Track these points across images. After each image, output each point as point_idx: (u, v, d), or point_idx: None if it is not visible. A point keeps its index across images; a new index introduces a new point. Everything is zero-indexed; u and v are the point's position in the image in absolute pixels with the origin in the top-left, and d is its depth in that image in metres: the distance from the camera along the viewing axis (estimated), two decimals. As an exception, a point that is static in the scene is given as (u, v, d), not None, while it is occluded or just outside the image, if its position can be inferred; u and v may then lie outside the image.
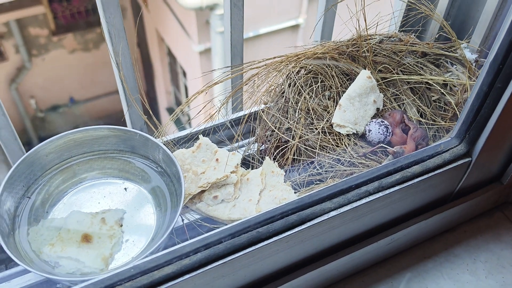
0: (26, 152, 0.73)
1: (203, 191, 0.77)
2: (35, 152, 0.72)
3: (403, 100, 0.88)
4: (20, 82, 6.28)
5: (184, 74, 5.64)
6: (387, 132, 0.82)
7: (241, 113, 0.87)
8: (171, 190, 0.74)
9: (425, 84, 0.86)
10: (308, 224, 0.66)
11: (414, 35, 0.89)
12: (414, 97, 0.87)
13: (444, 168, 0.72)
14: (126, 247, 0.72)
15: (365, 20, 0.86)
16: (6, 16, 5.61)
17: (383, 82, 0.89)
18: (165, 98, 6.59)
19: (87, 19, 6.18)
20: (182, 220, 0.75)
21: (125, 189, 0.78)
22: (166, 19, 5.23)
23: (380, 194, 0.69)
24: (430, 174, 0.71)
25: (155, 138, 0.84)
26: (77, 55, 6.29)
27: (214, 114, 0.84)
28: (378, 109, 0.88)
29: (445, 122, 0.83)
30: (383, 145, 0.77)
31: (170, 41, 5.56)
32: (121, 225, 0.73)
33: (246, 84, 0.86)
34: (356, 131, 0.84)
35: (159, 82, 6.55)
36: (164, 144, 0.85)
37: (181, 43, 5.08)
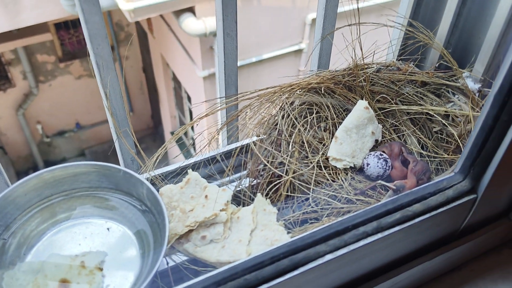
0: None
1: (190, 231, 0.73)
2: (11, 192, 0.68)
3: (403, 131, 0.84)
4: (27, 107, 6.33)
5: (189, 98, 5.66)
6: (386, 165, 0.77)
7: (232, 146, 0.83)
8: (156, 230, 0.70)
9: (425, 115, 0.82)
10: (302, 269, 0.61)
11: (413, 64, 0.85)
12: (415, 128, 0.83)
13: (448, 206, 0.67)
14: (106, 293, 0.67)
15: (361, 49, 0.82)
16: (14, 43, 5.69)
17: (382, 113, 0.84)
18: (170, 122, 6.60)
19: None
20: (167, 263, 0.70)
21: (108, 229, 0.73)
22: (171, 45, 5.27)
23: (379, 235, 0.64)
24: (432, 213, 0.66)
25: (142, 173, 0.80)
26: (83, 81, 6.34)
27: (204, 147, 0.80)
28: (377, 140, 0.83)
29: (448, 154, 0.79)
30: (382, 182, 0.72)
31: (175, 67, 5.59)
32: (101, 269, 0.68)
33: (238, 116, 0.83)
34: (354, 165, 0.79)
35: (164, 106, 6.57)
36: (152, 179, 0.81)
37: (185, 68, 5.10)
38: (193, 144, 0.82)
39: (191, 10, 4.36)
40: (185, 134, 5.81)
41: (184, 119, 6.28)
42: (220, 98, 0.84)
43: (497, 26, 0.77)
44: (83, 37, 6.11)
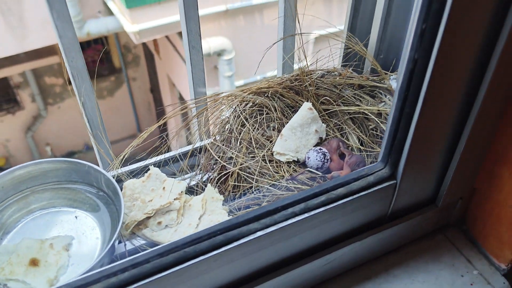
0: None
1: (149, 218, 0.82)
2: (-11, 184, 0.79)
3: (344, 129, 0.93)
4: (36, 130, 6.47)
5: (186, 106, 5.74)
6: (324, 158, 0.87)
7: (189, 147, 0.93)
8: (115, 218, 0.80)
9: (362, 114, 0.91)
10: (235, 243, 0.70)
11: (352, 69, 0.95)
12: (354, 127, 0.92)
13: (369, 190, 0.76)
14: (71, 270, 0.77)
15: (305, 57, 0.92)
16: (23, 67, 5.85)
17: (326, 113, 0.94)
18: (177, 141, 6.70)
19: (101, 68, 6.41)
20: (125, 245, 0.79)
21: (76, 217, 0.83)
22: (177, 66, 5.40)
23: (306, 215, 0.73)
24: (355, 196, 0.75)
25: (109, 170, 0.90)
26: (91, 103, 6.46)
27: (164, 147, 0.90)
28: (321, 138, 0.93)
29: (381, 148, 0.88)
30: (311, 169, 0.82)
31: (181, 86, 5.72)
32: (68, 250, 0.78)
33: (196, 118, 0.93)
34: (297, 159, 0.88)
35: (171, 125, 6.67)
36: (119, 175, 0.91)
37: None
38: (160, 145, 0.92)
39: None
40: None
41: (191, 137, 6.38)
42: (176, 103, 0.94)
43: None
44: (90, 59, 6.24)
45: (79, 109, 0.94)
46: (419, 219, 0.85)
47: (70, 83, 0.95)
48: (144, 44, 6.37)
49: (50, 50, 5.62)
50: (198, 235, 0.69)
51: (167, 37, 5.20)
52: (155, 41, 5.80)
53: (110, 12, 4.69)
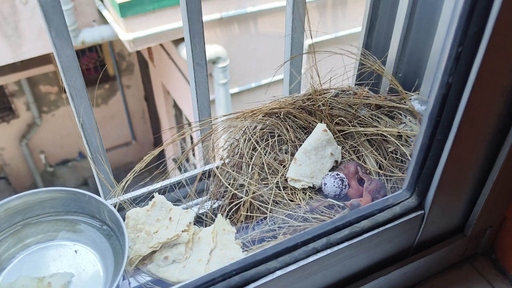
0: None
1: (154, 252, 0.76)
2: (-19, 217, 0.72)
3: (361, 152, 0.87)
4: (31, 138, 6.41)
5: (190, 125, 5.71)
6: (342, 185, 0.81)
7: (196, 171, 0.87)
8: (118, 252, 0.73)
9: (381, 136, 0.86)
10: (252, 285, 0.64)
11: (368, 88, 0.89)
12: (372, 149, 0.86)
13: (396, 222, 0.70)
14: (71, 313, 0.70)
15: (318, 75, 0.87)
16: (18, 75, 5.81)
17: (341, 135, 0.88)
18: (171, 149, 6.66)
19: (96, 76, 6.36)
20: (129, 283, 0.73)
21: (76, 251, 0.77)
22: (171, 73, 5.36)
23: (329, 251, 0.67)
24: (380, 229, 0.69)
25: (110, 198, 0.84)
26: (85, 111, 6.39)
27: (170, 172, 0.84)
28: (336, 161, 0.87)
29: (402, 173, 0.82)
30: (331, 200, 0.76)
31: (176, 94, 5.68)
32: (67, 290, 0.71)
33: (202, 141, 0.87)
34: (313, 185, 0.82)
35: (166, 134, 6.62)
36: (121, 203, 0.84)
37: (186, 95, 5.18)
38: (162, 168, 0.86)
39: (188, 39, 4.43)
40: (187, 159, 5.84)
41: (186, 146, 6.34)
42: (185, 124, 0.88)
43: (437, 51, 0.81)
44: (85, 67, 6.21)
45: (73, 117, 0.88)
46: (447, 250, 0.79)
47: (64, 91, 0.89)
48: (138, 52, 6.33)
49: (45, 59, 5.58)
50: (211, 276, 0.63)
51: (161, 45, 5.17)
52: (149, 49, 5.76)
53: (104, 21, 4.65)
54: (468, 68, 0.55)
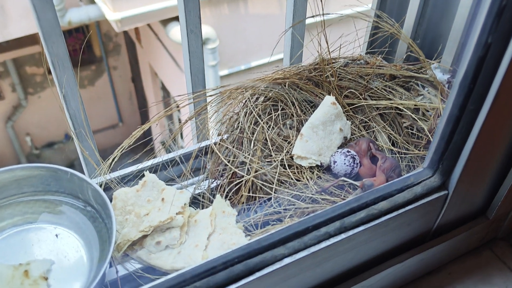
0: None
1: (145, 236, 0.68)
2: None
3: (372, 127, 0.80)
4: (16, 120, 6.27)
5: (177, 104, 5.61)
6: (354, 163, 0.73)
7: (192, 147, 0.78)
8: (105, 236, 0.65)
9: (395, 110, 0.78)
10: (258, 274, 0.56)
11: (381, 57, 0.81)
12: (384, 124, 0.78)
13: (416, 204, 0.63)
14: (51, 304, 0.62)
15: (326, 42, 0.78)
16: (3, 56, 5.67)
17: (350, 109, 0.80)
18: (158, 131, 6.56)
19: (82, 57, 6.22)
20: (117, 271, 0.65)
21: (56, 235, 0.68)
22: (159, 55, 5.26)
23: (343, 235, 0.60)
24: (400, 211, 0.62)
25: (95, 177, 0.76)
26: (71, 92, 6.25)
27: (162, 148, 0.76)
28: (345, 138, 0.79)
29: (419, 150, 0.75)
30: (345, 179, 0.68)
31: (163, 76, 5.57)
32: (47, 279, 0.63)
33: (198, 115, 0.78)
34: (321, 163, 0.75)
35: (153, 116, 6.52)
36: (107, 183, 0.76)
37: (174, 77, 5.08)
38: (153, 145, 0.79)
39: (178, 19, 4.32)
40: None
41: (174, 128, 6.24)
42: (177, 96, 0.80)
43: (463, 13, 0.73)
44: (72, 48, 6.09)
45: (59, 99, 0.80)
46: (466, 234, 0.72)
47: (50, 72, 0.80)
48: (125, 33, 6.18)
49: (31, 39, 5.43)
50: (212, 264, 0.55)
51: (149, 25, 5.05)
52: (136, 29, 5.63)
53: (91, 1, 4.52)
54: (513, 24, 0.48)
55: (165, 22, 4.32)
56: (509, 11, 0.48)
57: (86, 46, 6.30)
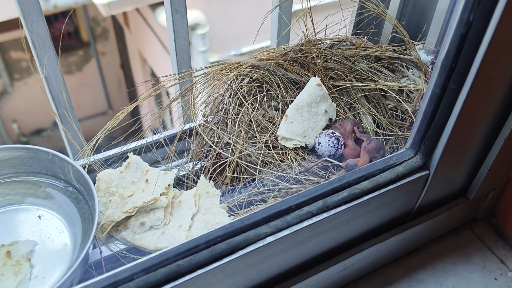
0: None
1: (129, 217, 0.68)
2: None
3: (358, 109, 0.80)
4: (2, 106, 6.18)
5: (167, 94, 5.57)
6: (338, 144, 0.73)
7: (176, 129, 0.78)
8: (88, 217, 0.65)
9: (379, 91, 0.78)
10: (240, 252, 0.57)
11: (367, 38, 0.81)
12: (369, 106, 0.79)
13: (398, 183, 0.63)
14: (34, 284, 0.62)
15: (312, 23, 0.78)
16: (-14, 41, 5.56)
17: (336, 91, 0.80)
18: (149, 119, 6.51)
19: (70, 42, 6.13)
20: (100, 252, 0.65)
21: (39, 217, 0.68)
22: (148, 40, 5.19)
23: (325, 215, 0.60)
24: (382, 191, 0.62)
25: (79, 158, 0.75)
26: (59, 78, 6.18)
27: (146, 130, 0.76)
28: (331, 119, 0.79)
29: (403, 132, 0.75)
30: (328, 159, 0.69)
31: (153, 62, 5.51)
32: (29, 260, 0.63)
33: (182, 96, 0.78)
34: (305, 144, 0.75)
35: (143, 103, 6.47)
36: (91, 165, 0.76)
37: (163, 63, 5.03)
38: (139, 126, 0.78)
39: (165, 2, 4.26)
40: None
41: (164, 115, 6.20)
42: (162, 77, 0.79)
43: (448, -7, 0.73)
44: (58, 34, 6.02)
45: (41, 81, 0.79)
46: (447, 215, 0.73)
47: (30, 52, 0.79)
48: (113, 17, 6.09)
49: (16, 23, 5.30)
50: (195, 243, 0.55)
51: (137, 10, 4.98)
52: (125, 14, 5.55)
53: (78, -17, 4.43)
54: (494, 2, 0.48)
55: (154, 7, 4.27)
56: (491, -11, 0.48)
57: (74, 31, 6.21)
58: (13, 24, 5.31)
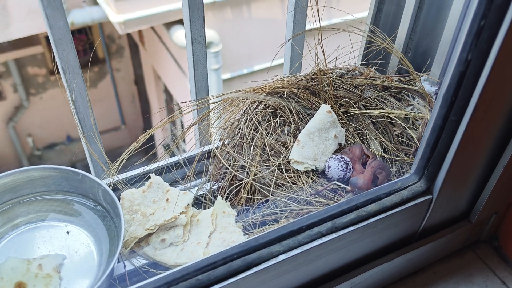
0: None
1: (151, 234, 0.73)
2: (-32, 195, 0.68)
3: (366, 135, 0.85)
4: (18, 120, 6.30)
5: (180, 111, 5.65)
6: (347, 168, 0.78)
7: (195, 151, 0.83)
8: (113, 234, 0.70)
9: (387, 118, 0.83)
10: (255, 269, 0.61)
11: (374, 68, 0.86)
12: (377, 132, 0.83)
13: (403, 207, 0.68)
14: (63, 296, 0.67)
15: (323, 54, 0.83)
16: (5, 56, 5.69)
17: (345, 117, 0.85)
18: (161, 135, 6.60)
19: (85, 58, 6.26)
20: (124, 266, 0.70)
21: (68, 232, 0.73)
22: (163, 57, 5.29)
23: (334, 235, 0.65)
24: (387, 213, 0.67)
25: (104, 178, 0.80)
26: (74, 94, 6.29)
27: (166, 152, 0.81)
28: (340, 144, 0.84)
29: (408, 157, 0.80)
30: (336, 182, 0.73)
31: (166, 79, 5.60)
32: (59, 272, 0.68)
33: (201, 121, 0.83)
34: (316, 168, 0.80)
35: (156, 119, 6.56)
36: (115, 184, 0.81)
37: (177, 80, 5.12)
38: (154, 151, 0.83)
39: (181, 22, 4.37)
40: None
41: (176, 131, 6.27)
42: (182, 103, 0.85)
43: (450, 28, 0.78)
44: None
45: (61, 100, 0.85)
46: (451, 237, 0.77)
47: (53, 73, 0.85)
48: (128, 35, 6.22)
49: (33, 40, 5.46)
50: (213, 259, 0.60)
51: (152, 28, 5.09)
52: (140, 32, 5.67)
53: (95, 2, 4.55)
54: (490, 44, 0.53)
55: (169, 25, 4.37)
56: (487, 31, 0.53)
57: (89, 48, 6.34)
58: (30, 41, 5.45)
